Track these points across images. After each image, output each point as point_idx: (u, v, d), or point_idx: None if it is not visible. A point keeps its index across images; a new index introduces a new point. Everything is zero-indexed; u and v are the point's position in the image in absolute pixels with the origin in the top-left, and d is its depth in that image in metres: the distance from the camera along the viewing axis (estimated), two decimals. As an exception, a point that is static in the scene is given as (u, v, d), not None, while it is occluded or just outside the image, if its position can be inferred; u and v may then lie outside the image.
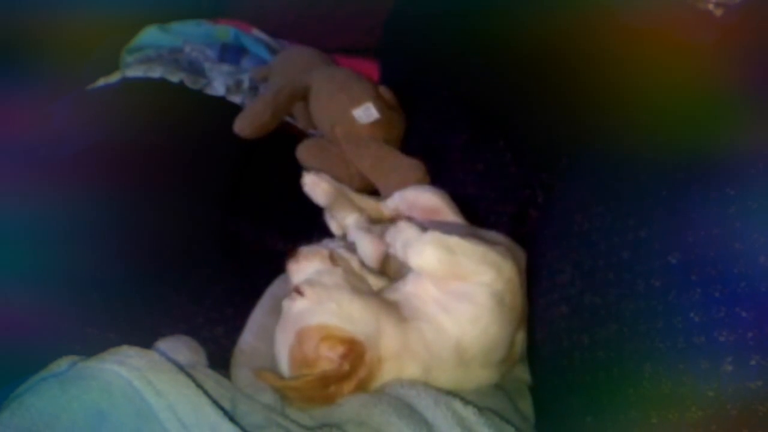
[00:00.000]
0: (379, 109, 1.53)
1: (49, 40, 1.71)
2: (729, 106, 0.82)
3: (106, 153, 1.34)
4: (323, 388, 0.85)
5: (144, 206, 1.25)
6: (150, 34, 2.06)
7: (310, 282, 0.93)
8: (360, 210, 1.29)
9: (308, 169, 1.45)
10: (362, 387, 0.88)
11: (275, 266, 1.11)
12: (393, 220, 1.27)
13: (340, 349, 0.85)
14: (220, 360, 1.02)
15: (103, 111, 1.55)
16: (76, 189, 1.19)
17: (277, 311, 0.96)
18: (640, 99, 1.00)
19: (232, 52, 2.03)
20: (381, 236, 1.15)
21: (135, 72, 1.78)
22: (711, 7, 0.96)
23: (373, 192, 1.46)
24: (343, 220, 1.28)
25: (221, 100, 1.75)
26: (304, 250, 1.00)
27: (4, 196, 1.15)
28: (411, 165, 1.44)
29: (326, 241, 1.21)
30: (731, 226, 0.71)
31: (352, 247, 1.11)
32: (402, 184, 1.36)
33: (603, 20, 1.12)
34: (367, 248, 1.14)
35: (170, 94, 1.70)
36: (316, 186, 1.29)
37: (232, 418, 0.81)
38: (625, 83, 1.04)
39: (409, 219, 1.18)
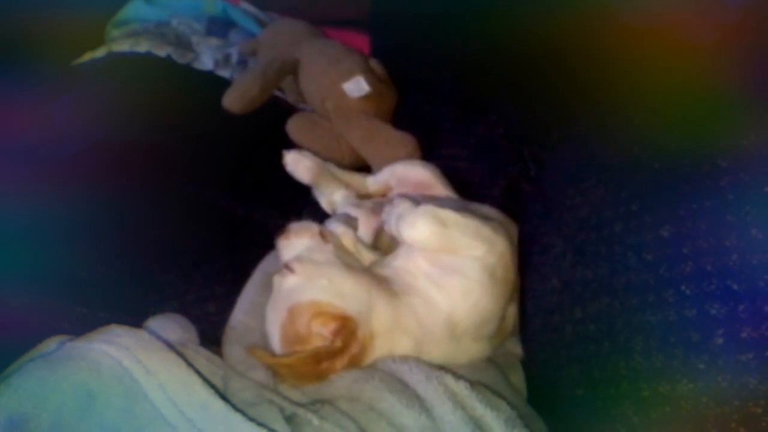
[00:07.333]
0: (370, 83, 1.51)
1: (49, 40, 1.68)
2: (721, 84, 0.81)
3: (106, 147, 1.33)
4: (315, 365, 0.84)
5: (131, 185, 1.23)
6: (135, 8, 2.01)
7: (300, 258, 0.93)
8: (346, 186, 1.28)
9: (298, 144, 1.43)
10: (354, 363, 0.87)
11: (266, 242, 1.09)
12: (380, 195, 1.26)
13: (332, 326, 0.85)
14: (212, 337, 1.01)
15: (93, 97, 1.52)
16: (76, 187, 1.18)
17: (268, 288, 0.95)
18: (634, 74, 0.99)
19: (219, 26, 1.99)
20: (371, 211, 1.14)
21: (121, 46, 1.75)
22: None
23: (365, 167, 1.45)
24: (331, 196, 1.27)
25: (209, 75, 1.73)
26: (294, 226, 0.99)
27: (4, 196, 1.13)
28: (402, 139, 1.43)
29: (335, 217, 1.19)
30: (723, 198, 0.71)
31: (353, 222, 1.09)
32: (393, 159, 1.34)
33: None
34: (358, 223, 1.13)
35: (157, 69, 1.67)
36: (297, 163, 1.26)
37: (223, 396, 0.81)
38: (618, 59, 1.03)
39: (401, 195, 1.16)
